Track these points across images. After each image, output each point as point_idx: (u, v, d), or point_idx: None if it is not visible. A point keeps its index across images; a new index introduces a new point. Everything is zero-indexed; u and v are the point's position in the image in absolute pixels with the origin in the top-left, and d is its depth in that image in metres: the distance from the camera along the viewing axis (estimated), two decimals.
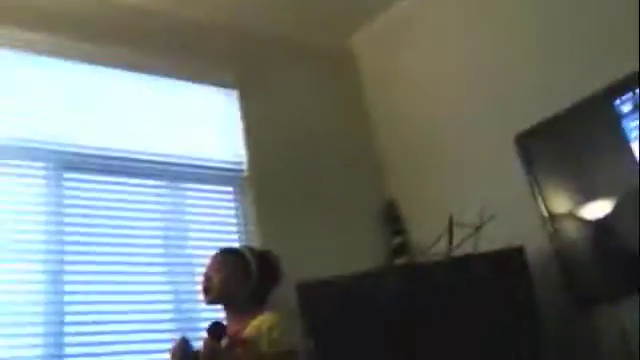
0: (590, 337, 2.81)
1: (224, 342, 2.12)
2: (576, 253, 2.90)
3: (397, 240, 3.48)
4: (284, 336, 2.23)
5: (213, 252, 2.57)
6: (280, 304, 2.77)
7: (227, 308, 2.43)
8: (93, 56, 3.19)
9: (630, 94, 2.75)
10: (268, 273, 2.49)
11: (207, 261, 2.50)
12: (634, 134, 2.73)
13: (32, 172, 2.87)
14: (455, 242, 2.98)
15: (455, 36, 3.60)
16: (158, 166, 3.16)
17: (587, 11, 3.00)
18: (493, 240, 2.87)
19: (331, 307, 2.78)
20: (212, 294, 2.41)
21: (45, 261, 2.71)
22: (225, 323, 2.30)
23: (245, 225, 3.25)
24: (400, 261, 3.36)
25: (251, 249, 2.59)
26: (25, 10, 3.06)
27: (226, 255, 2.51)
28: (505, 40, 3.33)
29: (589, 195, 2.87)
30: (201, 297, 2.47)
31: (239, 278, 2.41)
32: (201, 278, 2.47)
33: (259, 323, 2.25)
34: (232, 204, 3.32)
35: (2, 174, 2.78)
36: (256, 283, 2.43)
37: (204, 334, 2.18)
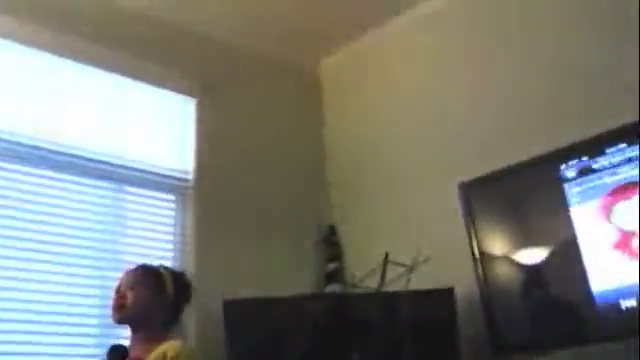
0: None
1: None
2: (503, 299, 2.95)
3: (332, 266, 3.49)
4: None
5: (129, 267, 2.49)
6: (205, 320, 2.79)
7: (135, 329, 2.30)
8: (49, 44, 3.08)
9: (576, 161, 2.85)
10: (182, 295, 2.39)
11: (121, 276, 2.39)
12: (574, 199, 2.82)
13: None
14: (388, 278, 3.01)
15: (414, 75, 3.65)
16: (102, 165, 3.09)
17: (543, 75, 3.10)
18: (426, 279, 2.91)
19: (256, 327, 2.79)
20: (125, 313, 2.27)
21: None
22: (127, 345, 2.27)
23: (182, 236, 3.22)
24: (332, 287, 3.37)
25: (167, 268, 2.48)
26: None
27: (143, 273, 2.37)
28: (460, 88, 3.40)
29: (524, 245, 2.92)
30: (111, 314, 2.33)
31: (155, 299, 2.30)
32: (112, 294, 2.33)
33: (163, 351, 2.14)
34: (173, 213, 3.29)
35: None
36: (170, 305, 2.33)
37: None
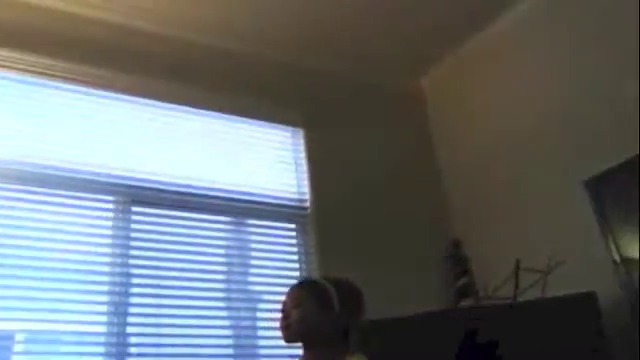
0: None
1: None
2: None
3: (462, 281, 3.38)
4: None
5: (290, 286, 2.32)
6: None
7: (308, 347, 2.16)
8: (162, 94, 3.29)
9: None
10: (350, 304, 2.19)
11: (286, 294, 2.24)
12: None
13: (102, 205, 2.96)
14: (522, 286, 2.90)
15: (523, 78, 3.55)
16: (223, 202, 3.20)
17: None
18: (562, 286, 2.77)
19: (393, 348, 2.72)
20: (291, 332, 2.14)
21: (110, 293, 2.76)
22: None
23: (306, 263, 3.24)
24: (465, 303, 3.26)
25: (330, 279, 2.28)
26: (97, 47, 3.20)
27: (304, 288, 2.23)
28: (573, 83, 3.26)
29: None
30: (280, 335, 2.18)
31: (320, 313, 2.12)
32: (278, 315, 2.20)
33: None
34: (294, 241, 3.32)
35: (72, 206, 2.87)
36: (338, 317, 2.13)
37: None
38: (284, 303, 2.21)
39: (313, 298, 2.15)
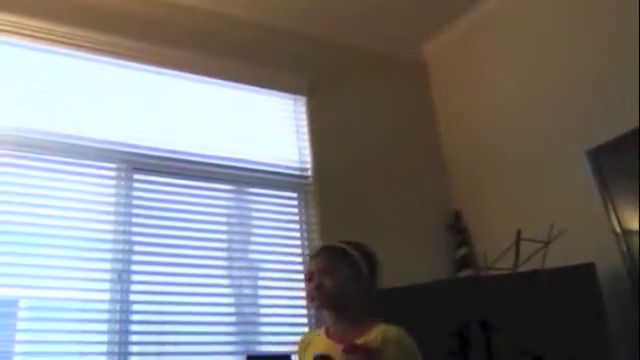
0: None
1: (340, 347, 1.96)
2: None
3: (462, 251, 3.41)
4: (413, 348, 2.02)
5: (313, 253, 2.40)
6: None
7: (339, 313, 2.14)
8: (166, 60, 3.27)
9: None
10: (374, 269, 2.19)
11: (310, 262, 2.23)
12: None
13: (104, 172, 2.96)
14: (523, 257, 2.91)
15: (526, 46, 3.52)
16: (225, 170, 3.21)
17: None
18: (562, 256, 2.78)
19: (393, 317, 2.74)
20: (326, 300, 2.12)
21: (113, 260, 2.78)
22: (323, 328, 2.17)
23: (308, 232, 3.25)
24: (465, 273, 3.29)
25: (351, 243, 2.24)
26: (102, 13, 3.17)
27: (334, 256, 2.18)
28: (579, 52, 3.23)
29: None
30: (308, 304, 2.30)
31: (352, 282, 2.11)
32: (307, 283, 2.18)
33: (382, 333, 2.02)
34: (296, 210, 3.33)
35: (75, 173, 2.88)
36: (367, 285, 2.14)
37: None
38: (310, 272, 2.17)
39: (344, 266, 2.14)
